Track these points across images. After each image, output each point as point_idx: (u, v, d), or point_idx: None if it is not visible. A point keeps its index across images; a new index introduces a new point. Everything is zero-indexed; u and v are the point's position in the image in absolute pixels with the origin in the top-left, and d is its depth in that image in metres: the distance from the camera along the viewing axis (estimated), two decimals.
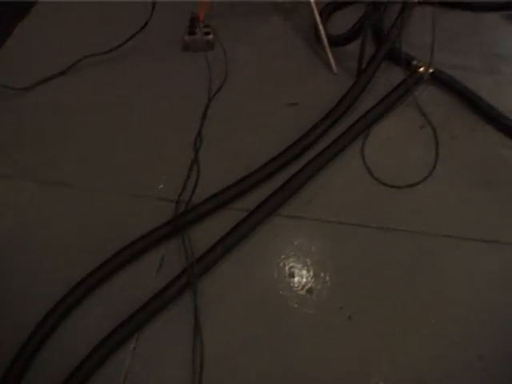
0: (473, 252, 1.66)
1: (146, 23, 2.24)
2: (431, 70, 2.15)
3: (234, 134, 2.00)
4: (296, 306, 1.54)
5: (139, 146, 1.97)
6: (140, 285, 1.57)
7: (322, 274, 1.61)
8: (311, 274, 1.61)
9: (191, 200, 1.74)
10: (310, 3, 2.23)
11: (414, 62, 2.18)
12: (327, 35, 2.25)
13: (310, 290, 1.57)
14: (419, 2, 2.45)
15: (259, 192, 1.79)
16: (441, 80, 2.17)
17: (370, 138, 1.98)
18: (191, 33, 2.33)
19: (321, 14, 2.33)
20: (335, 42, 2.29)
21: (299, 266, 1.63)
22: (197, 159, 1.88)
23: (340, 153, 1.90)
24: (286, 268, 1.62)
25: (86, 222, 1.74)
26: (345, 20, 2.35)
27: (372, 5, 2.02)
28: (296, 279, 1.60)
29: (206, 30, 2.34)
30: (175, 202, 1.74)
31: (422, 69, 2.15)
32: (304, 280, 1.60)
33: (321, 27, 2.22)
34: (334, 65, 2.23)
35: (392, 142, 1.98)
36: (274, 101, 2.13)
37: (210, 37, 2.33)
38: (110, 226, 1.73)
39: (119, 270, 1.60)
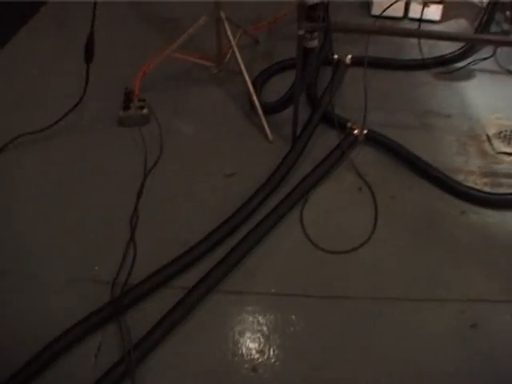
0: (417, 313, 1.65)
1: (80, 100, 2.23)
2: (365, 131, 2.19)
3: (171, 209, 1.97)
4: None
5: (74, 226, 1.92)
6: (78, 374, 1.49)
7: (267, 350, 1.56)
8: (255, 350, 1.56)
9: (128, 281, 1.69)
10: (242, 73, 2.26)
11: (349, 124, 2.22)
12: (261, 103, 2.28)
13: (254, 368, 1.52)
14: (350, 64, 2.52)
15: (199, 267, 1.74)
16: (376, 140, 2.21)
17: (309, 204, 1.98)
18: (126, 108, 2.32)
19: (255, 83, 2.37)
20: (270, 109, 2.32)
21: (242, 343, 1.58)
22: (133, 238, 1.84)
23: (279, 222, 1.89)
24: (230, 346, 1.57)
25: (20, 310, 1.66)
26: (281, 86, 2.40)
27: (301, 71, 2.05)
28: (240, 358, 1.54)
29: (140, 104, 2.34)
30: (111, 284, 1.69)
31: (356, 131, 2.19)
32: (248, 358, 1.54)
33: (254, 97, 2.25)
34: (269, 133, 2.25)
35: (331, 207, 1.98)
36: (210, 172, 2.12)
37: (145, 111, 2.32)
38: (46, 314, 1.65)
39: (55, 359, 1.51)
